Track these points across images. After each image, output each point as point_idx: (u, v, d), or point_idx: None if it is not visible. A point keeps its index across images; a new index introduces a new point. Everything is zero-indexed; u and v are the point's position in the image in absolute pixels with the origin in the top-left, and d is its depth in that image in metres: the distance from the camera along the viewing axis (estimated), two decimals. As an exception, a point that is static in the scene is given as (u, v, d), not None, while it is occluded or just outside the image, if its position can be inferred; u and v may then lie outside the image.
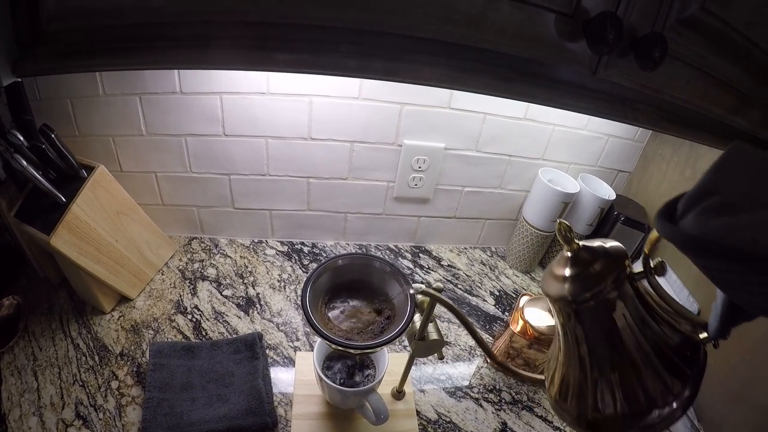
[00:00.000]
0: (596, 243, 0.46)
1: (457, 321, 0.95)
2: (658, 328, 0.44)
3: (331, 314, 0.64)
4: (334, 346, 0.59)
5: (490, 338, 0.94)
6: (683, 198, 0.36)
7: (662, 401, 0.43)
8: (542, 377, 0.55)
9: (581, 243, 0.46)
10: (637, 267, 0.46)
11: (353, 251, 1.08)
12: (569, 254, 0.46)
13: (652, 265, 0.44)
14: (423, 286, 0.66)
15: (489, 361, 0.89)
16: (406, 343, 0.88)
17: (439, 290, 0.61)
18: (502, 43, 0.51)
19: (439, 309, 0.96)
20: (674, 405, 0.43)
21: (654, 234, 0.43)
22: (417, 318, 0.66)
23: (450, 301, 0.61)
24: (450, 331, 0.94)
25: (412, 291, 0.63)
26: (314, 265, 1.02)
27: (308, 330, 0.89)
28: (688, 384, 0.43)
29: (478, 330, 0.95)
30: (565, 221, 0.46)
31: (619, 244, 0.46)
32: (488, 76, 0.55)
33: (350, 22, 0.48)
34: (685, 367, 0.44)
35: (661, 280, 0.95)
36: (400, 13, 0.48)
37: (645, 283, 0.47)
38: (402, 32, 0.49)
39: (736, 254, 0.30)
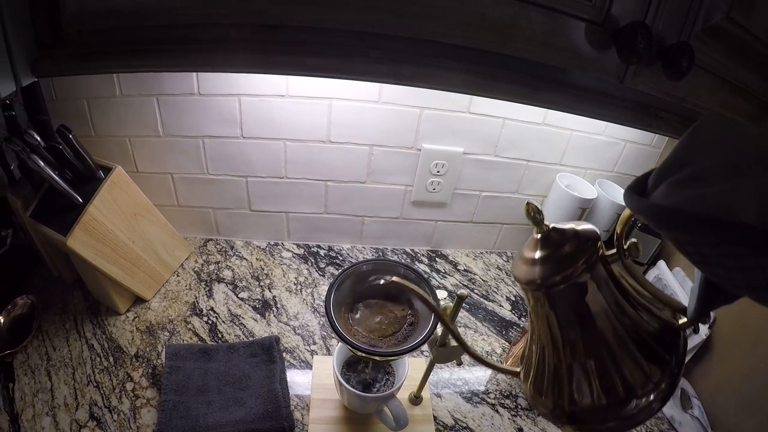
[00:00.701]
0: (568, 225, 0.45)
1: (473, 327, 0.96)
2: (635, 313, 0.43)
3: (355, 320, 0.64)
4: (358, 352, 0.58)
5: (507, 344, 0.94)
6: (654, 172, 0.35)
7: (641, 389, 0.41)
8: (518, 369, 0.53)
9: (551, 225, 0.45)
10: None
11: (377, 257, 1.08)
12: (539, 236, 0.44)
13: (625, 246, 0.43)
14: (446, 293, 0.67)
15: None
16: (424, 348, 0.88)
17: (463, 297, 0.61)
18: (530, 51, 0.51)
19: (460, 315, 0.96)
20: (653, 394, 0.41)
21: (626, 212, 0.42)
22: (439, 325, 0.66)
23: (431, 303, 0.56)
24: (467, 336, 0.93)
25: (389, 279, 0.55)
26: (331, 269, 1.02)
27: (325, 334, 0.88)
28: (668, 371, 0.42)
29: (488, 333, 0.95)
30: (533, 202, 0.44)
31: (592, 226, 0.44)
32: (515, 83, 0.55)
33: (381, 27, 0.48)
34: (664, 353, 0.42)
35: (676, 288, 0.95)
36: (430, 19, 0.47)
37: (623, 271, 0.45)
38: (432, 38, 0.49)
39: (708, 222, 0.29)
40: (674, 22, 0.51)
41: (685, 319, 0.42)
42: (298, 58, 0.50)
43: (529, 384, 0.49)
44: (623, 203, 1.02)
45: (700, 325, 0.85)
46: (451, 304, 0.63)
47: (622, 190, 1.02)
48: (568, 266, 0.41)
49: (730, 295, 0.37)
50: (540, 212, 0.44)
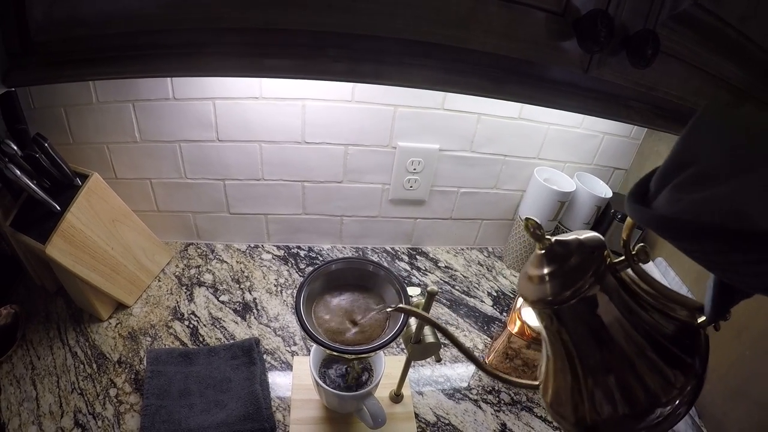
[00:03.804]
0: (570, 236, 0.43)
1: (455, 323, 0.96)
2: (651, 319, 0.41)
3: (326, 319, 0.64)
4: (329, 351, 0.58)
5: (489, 339, 0.94)
6: (656, 173, 0.32)
7: (665, 397, 0.40)
8: (536, 383, 0.51)
9: (554, 238, 0.43)
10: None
11: (347, 256, 1.08)
12: (542, 252, 0.42)
13: (633, 251, 0.41)
14: (419, 290, 0.66)
15: (488, 360, 0.89)
16: (403, 345, 0.88)
17: (434, 293, 0.61)
18: (490, 44, 0.51)
19: (435, 311, 0.96)
20: (678, 399, 0.40)
21: (630, 219, 0.40)
22: (413, 321, 0.66)
23: (428, 315, 0.58)
24: (448, 332, 0.93)
25: (390, 308, 0.60)
26: (310, 269, 1.02)
27: (305, 334, 0.88)
28: (691, 374, 0.40)
29: (470, 329, 0.95)
30: (533, 218, 0.43)
31: (596, 234, 0.43)
32: (478, 77, 0.55)
33: (338, 26, 0.48)
34: (685, 356, 0.41)
35: (659, 279, 0.95)
36: (388, 16, 0.47)
37: (629, 272, 0.43)
38: (391, 35, 0.49)
39: (717, 232, 0.27)
40: (639, 10, 0.51)
41: (703, 318, 0.40)
42: (257, 60, 0.50)
43: (549, 399, 0.48)
44: (602, 195, 1.02)
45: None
46: (423, 300, 0.63)
47: (602, 183, 1.03)
48: (578, 279, 0.40)
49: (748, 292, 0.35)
50: (540, 227, 0.42)
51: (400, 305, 0.56)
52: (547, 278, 0.41)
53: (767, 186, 0.26)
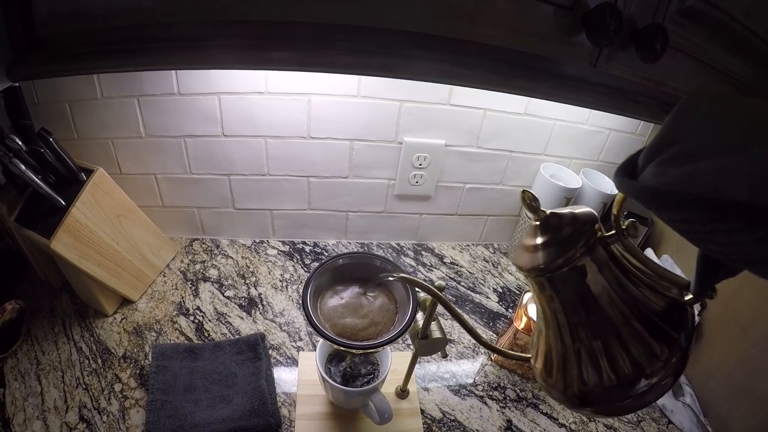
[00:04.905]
0: (565, 210, 0.45)
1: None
2: (639, 293, 0.43)
3: (332, 314, 0.64)
4: (336, 346, 0.58)
5: (494, 335, 0.94)
6: (643, 151, 0.34)
7: (650, 368, 0.42)
8: (529, 355, 0.54)
9: (548, 210, 0.45)
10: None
11: (354, 250, 1.08)
12: (537, 222, 0.45)
13: (623, 226, 0.43)
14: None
15: (493, 357, 0.89)
16: (410, 341, 0.88)
17: (441, 288, 0.60)
18: (498, 37, 0.51)
19: (441, 306, 0.96)
20: (663, 371, 0.42)
21: (621, 194, 0.43)
22: (420, 316, 0.65)
23: (437, 292, 0.60)
24: (453, 328, 0.93)
25: (393, 277, 0.61)
26: (316, 265, 1.02)
27: (311, 330, 0.88)
28: (677, 349, 0.42)
29: (476, 325, 0.95)
30: (529, 190, 0.45)
31: (589, 209, 0.45)
32: (485, 71, 0.54)
33: (345, 18, 0.48)
34: (671, 331, 0.43)
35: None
36: (395, 8, 0.47)
37: (623, 251, 0.45)
38: (397, 27, 0.49)
39: (696, 202, 0.29)
40: (647, 4, 0.51)
41: (691, 296, 0.42)
42: (263, 53, 0.50)
43: (540, 368, 0.50)
44: (608, 192, 1.02)
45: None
46: (430, 296, 0.62)
47: (608, 179, 1.03)
48: (569, 249, 0.42)
49: (731, 268, 0.36)
50: (536, 200, 0.45)
51: (402, 274, 0.58)
52: (540, 247, 0.44)
53: (748, 163, 0.27)
